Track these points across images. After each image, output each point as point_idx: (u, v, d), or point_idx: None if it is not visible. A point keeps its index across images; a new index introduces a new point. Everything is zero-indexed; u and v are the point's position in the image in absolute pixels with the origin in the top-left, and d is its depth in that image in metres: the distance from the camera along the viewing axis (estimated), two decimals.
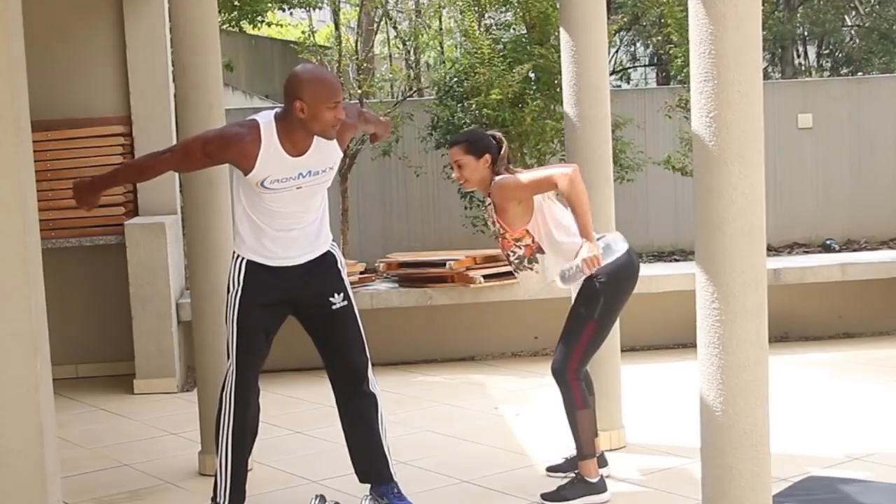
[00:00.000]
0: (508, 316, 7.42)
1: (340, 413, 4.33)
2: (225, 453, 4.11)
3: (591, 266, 4.21)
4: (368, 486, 4.32)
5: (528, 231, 4.44)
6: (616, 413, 5.13)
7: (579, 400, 4.41)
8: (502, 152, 4.48)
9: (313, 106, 3.90)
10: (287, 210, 4.07)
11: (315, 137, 4.01)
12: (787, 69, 19.19)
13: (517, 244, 4.46)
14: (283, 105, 4.01)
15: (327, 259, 4.20)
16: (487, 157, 4.45)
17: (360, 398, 4.30)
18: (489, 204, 4.49)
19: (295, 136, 3.98)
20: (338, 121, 3.95)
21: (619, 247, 4.45)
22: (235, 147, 3.95)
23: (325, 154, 4.07)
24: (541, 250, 4.45)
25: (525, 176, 4.45)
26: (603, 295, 4.38)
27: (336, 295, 4.19)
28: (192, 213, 4.96)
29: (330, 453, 5.18)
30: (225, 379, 4.15)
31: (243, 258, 4.11)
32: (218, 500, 4.12)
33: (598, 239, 4.41)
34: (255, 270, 4.09)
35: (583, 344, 4.40)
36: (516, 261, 4.51)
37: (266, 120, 4.00)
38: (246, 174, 3.97)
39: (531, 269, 4.50)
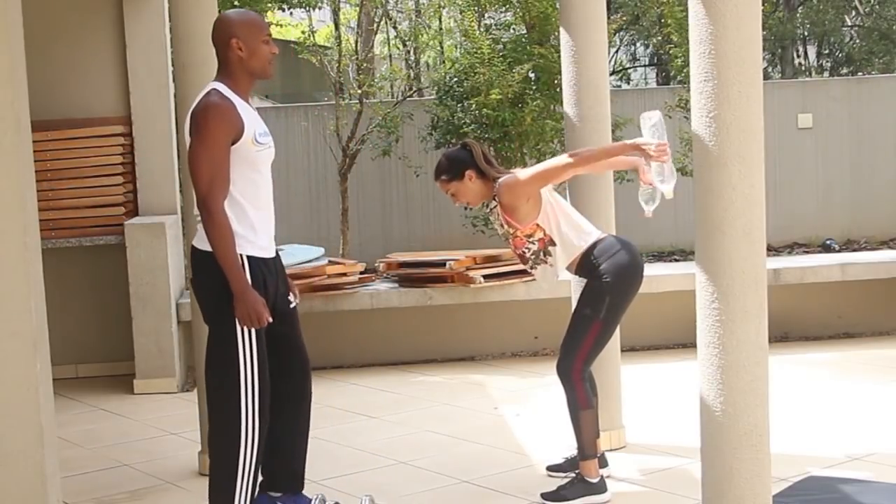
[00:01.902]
0: (508, 316, 7.42)
1: (281, 412, 4.10)
2: (247, 467, 3.88)
3: (661, 152, 4.16)
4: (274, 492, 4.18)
5: (538, 225, 4.43)
6: (616, 413, 5.13)
7: (583, 400, 4.41)
8: (476, 155, 4.47)
9: (249, 41, 3.89)
10: (268, 176, 3.99)
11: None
12: (787, 69, 19.18)
13: (530, 240, 4.46)
14: (218, 66, 3.97)
15: (280, 258, 4.16)
16: (469, 172, 4.46)
17: (307, 399, 4.19)
18: (494, 206, 4.48)
19: (240, 86, 3.93)
20: (273, 55, 3.96)
21: (656, 125, 4.27)
22: (222, 114, 3.81)
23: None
24: (552, 242, 4.45)
25: (529, 171, 4.46)
26: (608, 295, 4.37)
27: (291, 293, 4.16)
28: (192, 213, 4.95)
29: (330, 453, 5.18)
30: (241, 394, 3.84)
31: (243, 255, 3.87)
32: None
33: (600, 240, 4.43)
34: (255, 267, 3.90)
35: (588, 344, 4.40)
36: (532, 256, 4.50)
37: (214, 84, 3.94)
38: (242, 135, 3.84)
39: (546, 262, 4.49)
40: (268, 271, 3.95)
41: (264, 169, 3.98)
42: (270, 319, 3.84)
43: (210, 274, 3.84)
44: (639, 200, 4.39)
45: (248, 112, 3.92)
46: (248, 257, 3.87)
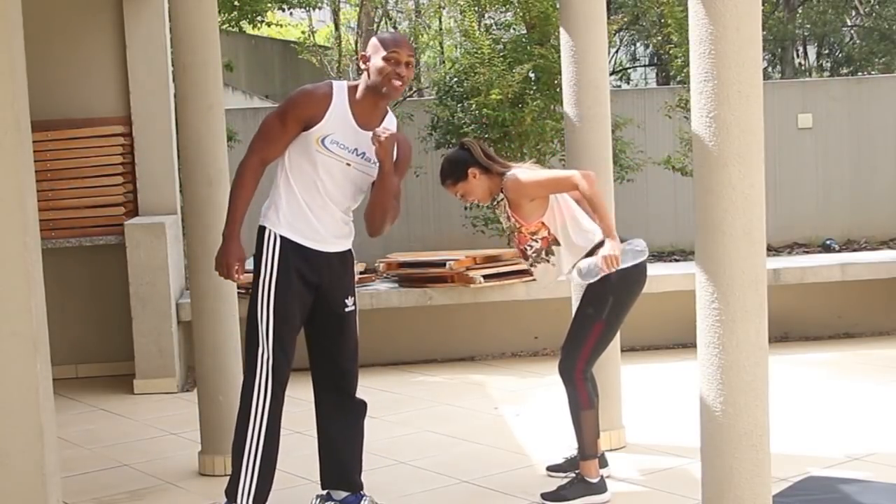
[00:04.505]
0: (508, 316, 7.42)
1: (328, 416, 4.21)
2: (253, 453, 3.96)
3: (611, 265, 4.24)
4: (327, 492, 4.27)
5: (543, 223, 4.43)
6: (616, 413, 5.13)
7: (585, 400, 4.41)
8: (476, 153, 4.47)
9: (372, 56, 3.97)
10: (330, 184, 3.99)
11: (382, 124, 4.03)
12: (787, 69, 19.19)
13: (533, 238, 4.46)
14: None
15: (349, 258, 4.17)
16: (473, 170, 4.46)
17: (355, 404, 4.25)
18: (502, 199, 4.48)
19: (363, 100, 4.00)
20: (395, 74, 3.94)
21: (640, 253, 4.44)
22: (308, 100, 3.95)
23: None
24: (556, 242, 4.45)
25: (541, 174, 4.45)
26: (612, 295, 4.37)
27: (350, 297, 4.16)
28: (192, 213, 4.96)
29: None
30: (256, 372, 3.96)
31: (277, 233, 3.98)
32: (239, 501, 3.97)
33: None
34: (289, 250, 3.97)
35: (590, 344, 4.40)
36: (534, 254, 4.50)
37: (340, 83, 4.06)
38: (312, 126, 3.92)
39: (548, 261, 4.49)
40: (303, 260, 4.00)
41: (328, 177, 3.99)
42: (239, 278, 3.98)
43: (258, 247, 4.03)
44: (576, 266, 4.37)
45: (341, 118, 3.96)
46: (281, 237, 3.99)
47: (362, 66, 4.03)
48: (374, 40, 4.06)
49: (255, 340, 3.99)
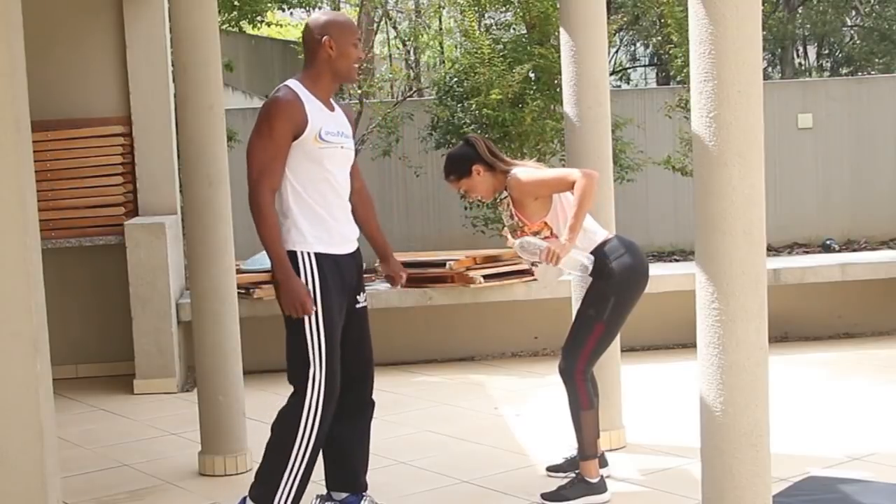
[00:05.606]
0: (508, 316, 7.42)
1: (339, 419, 4.11)
2: (297, 468, 3.90)
3: (549, 259, 4.24)
4: (331, 492, 4.24)
5: (546, 223, 4.43)
6: (616, 413, 5.13)
7: (585, 400, 4.41)
8: (480, 150, 4.46)
9: (340, 42, 3.96)
10: (337, 173, 3.98)
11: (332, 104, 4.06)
12: (787, 69, 19.20)
13: (535, 237, 4.45)
14: (304, 63, 4.06)
15: (359, 255, 4.15)
16: (477, 167, 4.45)
17: (367, 405, 4.23)
18: (505, 197, 4.48)
19: (321, 85, 3.99)
20: (359, 59, 4.04)
21: (584, 269, 4.35)
22: (288, 108, 3.88)
23: (345, 120, 4.10)
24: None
25: (546, 174, 4.44)
26: (613, 296, 4.37)
27: (362, 294, 4.15)
28: (192, 213, 4.96)
29: None
30: (307, 390, 3.89)
31: (310, 252, 3.91)
32: None
33: (606, 241, 4.40)
34: (325, 265, 3.93)
35: (590, 345, 4.40)
36: None
37: (290, 81, 4.03)
38: (304, 131, 3.88)
39: None
40: (339, 269, 3.98)
41: (334, 168, 3.97)
42: (314, 308, 3.87)
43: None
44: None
45: (318, 111, 3.95)
46: (317, 255, 3.93)
47: (329, 51, 3.94)
48: (335, 22, 4.00)
49: (304, 360, 3.90)
